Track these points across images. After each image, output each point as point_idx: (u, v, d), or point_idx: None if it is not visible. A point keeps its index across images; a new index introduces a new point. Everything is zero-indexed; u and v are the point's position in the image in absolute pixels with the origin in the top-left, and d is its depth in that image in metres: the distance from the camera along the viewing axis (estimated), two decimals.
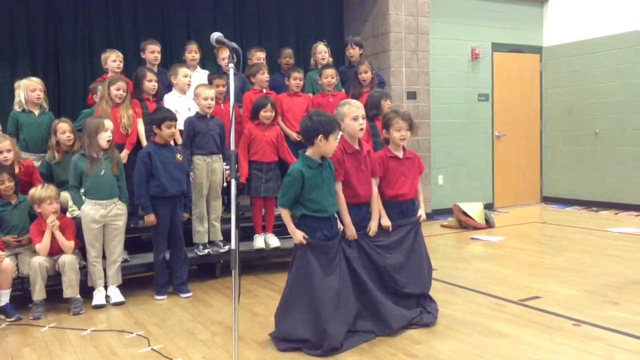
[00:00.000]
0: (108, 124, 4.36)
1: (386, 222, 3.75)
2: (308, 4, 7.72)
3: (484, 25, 8.56)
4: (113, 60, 5.29)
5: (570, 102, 8.86)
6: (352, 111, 3.62)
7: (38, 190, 4.29)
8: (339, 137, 3.58)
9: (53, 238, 4.29)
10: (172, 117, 4.54)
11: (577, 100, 8.76)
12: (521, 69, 9.06)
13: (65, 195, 4.67)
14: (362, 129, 3.65)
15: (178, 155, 4.58)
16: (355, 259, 3.58)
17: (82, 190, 4.38)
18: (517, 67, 9.00)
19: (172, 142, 4.67)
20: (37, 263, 4.13)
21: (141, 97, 5.07)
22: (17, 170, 4.47)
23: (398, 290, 3.67)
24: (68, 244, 4.31)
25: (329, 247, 3.45)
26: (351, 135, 3.66)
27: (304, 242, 3.39)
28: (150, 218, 4.48)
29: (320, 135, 3.38)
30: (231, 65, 2.82)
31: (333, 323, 3.31)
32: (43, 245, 4.21)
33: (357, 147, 3.69)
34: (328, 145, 3.42)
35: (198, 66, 5.85)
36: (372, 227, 3.69)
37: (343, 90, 6.01)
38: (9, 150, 4.41)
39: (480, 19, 8.52)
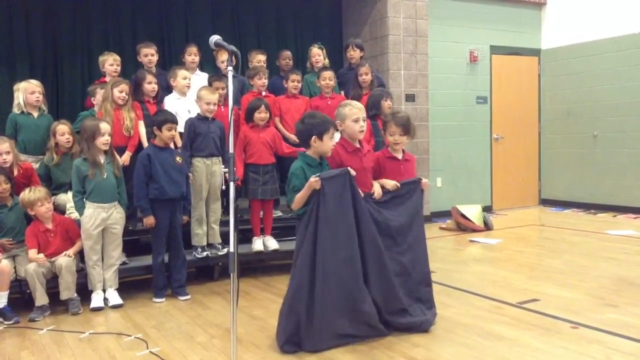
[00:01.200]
0: (105, 127, 4.35)
1: (390, 184, 3.71)
2: (307, 6, 7.73)
3: (483, 27, 8.57)
4: (110, 64, 5.30)
5: (569, 104, 8.87)
6: (354, 113, 3.63)
7: (27, 194, 4.27)
8: (335, 136, 3.60)
9: (52, 239, 4.32)
10: (173, 120, 4.54)
11: (575, 103, 8.78)
12: (519, 71, 9.08)
13: (64, 197, 4.67)
14: (362, 131, 3.66)
15: (177, 158, 4.58)
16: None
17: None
18: (515, 69, 9.02)
19: (172, 145, 4.67)
20: (33, 270, 4.12)
21: (142, 100, 5.08)
22: (15, 172, 4.46)
23: (396, 258, 3.63)
24: (72, 251, 4.35)
25: (340, 175, 3.42)
26: (351, 137, 3.67)
27: (319, 179, 3.32)
28: (150, 220, 4.47)
29: (314, 136, 3.47)
30: (230, 68, 2.83)
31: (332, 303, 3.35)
32: (36, 257, 4.20)
33: (357, 145, 3.71)
34: (323, 145, 3.49)
35: (197, 69, 5.85)
36: (376, 190, 3.66)
37: (342, 92, 6.01)
38: (8, 153, 4.41)
39: (479, 22, 8.53)
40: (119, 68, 5.35)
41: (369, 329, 3.51)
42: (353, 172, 3.49)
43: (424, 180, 3.88)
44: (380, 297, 3.54)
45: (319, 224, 3.35)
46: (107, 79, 5.29)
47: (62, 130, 4.71)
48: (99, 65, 5.44)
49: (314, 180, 3.34)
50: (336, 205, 3.37)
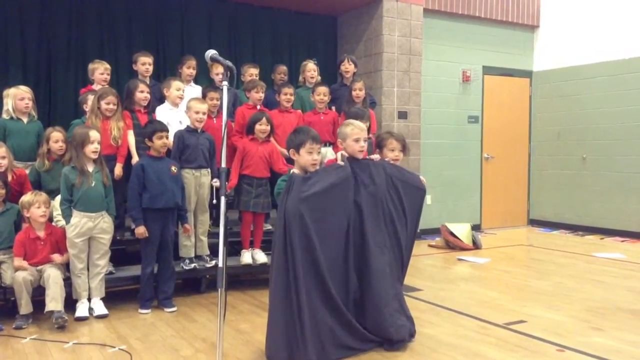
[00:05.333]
0: (94, 136, 4.33)
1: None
2: (302, 22, 7.78)
3: (476, 48, 8.67)
4: (101, 72, 5.27)
5: (559, 126, 8.96)
6: (355, 133, 3.68)
7: (28, 196, 4.29)
8: (327, 153, 3.65)
9: (41, 247, 4.29)
10: (162, 128, 4.55)
11: (565, 125, 8.87)
12: (511, 92, 9.16)
13: (52, 203, 4.63)
14: (361, 151, 3.69)
15: (172, 168, 4.58)
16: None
17: None
18: (507, 90, 9.11)
19: (165, 154, 4.67)
20: (22, 277, 4.08)
21: (132, 109, 5.05)
22: (10, 178, 4.44)
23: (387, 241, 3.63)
24: (61, 259, 4.32)
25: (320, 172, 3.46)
26: (351, 155, 3.71)
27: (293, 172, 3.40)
28: (140, 230, 4.45)
29: (292, 150, 3.59)
30: (225, 83, 2.84)
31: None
32: (23, 265, 4.17)
33: None
34: (301, 158, 3.58)
35: (192, 81, 5.85)
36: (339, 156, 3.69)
37: (333, 108, 6.02)
38: (3, 157, 4.41)
39: (472, 42, 8.63)
40: (108, 77, 5.32)
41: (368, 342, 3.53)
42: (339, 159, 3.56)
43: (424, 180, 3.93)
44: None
45: (285, 224, 3.28)
46: (95, 86, 5.28)
47: (56, 137, 4.68)
48: (89, 73, 5.41)
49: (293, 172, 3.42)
50: (307, 204, 3.30)
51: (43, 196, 4.32)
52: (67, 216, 4.29)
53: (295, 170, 3.49)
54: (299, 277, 3.25)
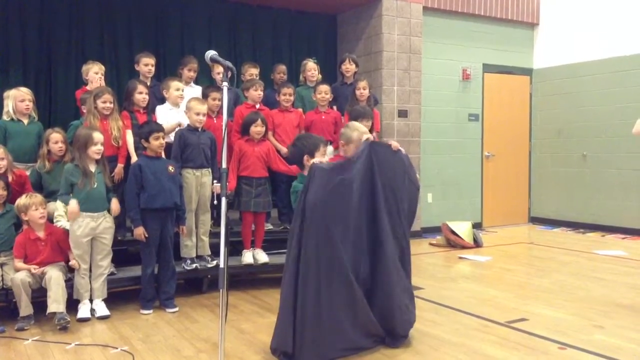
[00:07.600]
0: (98, 137, 4.33)
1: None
2: (302, 21, 7.78)
3: (476, 46, 8.66)
4: (95, 71, 5.25)
5: (559, 124, 8.96)
6: (359, 138, 3.69)
7: (23, 199, 4.27)
8: (328, 152, 3.66)
9: (42, 248, 4.28)
10: (158, 129, 4.55)
11: (566, 123, 8.87)
12: (511, 90, 9.16)
13: (52, 206, 4.63)
14: None
15: (170, 167, 4.58)
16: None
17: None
18: (507, 88, 9.10)
19: (162, 154, 4.67)
20: (20, 279, 4.07)
21: (132, 109, 5.05)
22: (10, 179, 4.44)
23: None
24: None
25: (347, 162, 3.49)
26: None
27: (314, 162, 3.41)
28: (139, 231, 4.45)
29: (306, 156, 3.67)
30: (225, 83, 2.84)
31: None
32: (23, 267, 4.18)
33: None
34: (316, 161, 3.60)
35: (192, 82, 5.84)
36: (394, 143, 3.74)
37: (335, 107, 6.02)
38: (2, 159, 4.40)
39: (472, 40, 8.62)
40: (102, 77, 5.32)
41: (373, 341, 3.54)
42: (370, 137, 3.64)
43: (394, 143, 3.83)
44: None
45: (305, 215, 3.30)
46: (89, 87, 5.27)
47: (56, 139, 4.69)
48: (82, 74, 5.40)
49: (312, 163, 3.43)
50: (329, 194, 3.32)
51: (38, 197, 4.31)
52: (65, 200, 4.29)
53: (315, 160, 3.51)
54: (310, 269, 3.28)
